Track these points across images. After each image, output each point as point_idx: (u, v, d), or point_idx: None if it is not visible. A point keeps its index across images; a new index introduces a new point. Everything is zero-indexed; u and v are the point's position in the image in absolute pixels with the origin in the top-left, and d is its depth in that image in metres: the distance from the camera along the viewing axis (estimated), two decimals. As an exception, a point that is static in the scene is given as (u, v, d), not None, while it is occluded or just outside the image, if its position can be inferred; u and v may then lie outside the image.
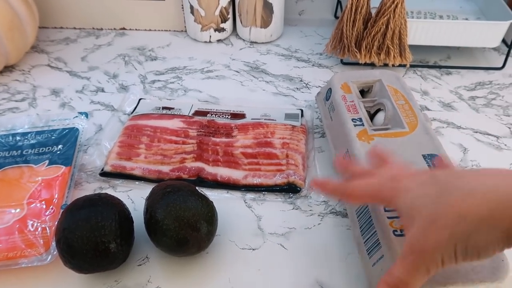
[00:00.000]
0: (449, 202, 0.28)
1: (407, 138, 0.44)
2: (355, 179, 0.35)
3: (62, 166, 0.48)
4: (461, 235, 0.27)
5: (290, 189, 0.48)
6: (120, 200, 0.41)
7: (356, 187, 0.34)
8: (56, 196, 0.45)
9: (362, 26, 0.61)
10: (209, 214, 0.40)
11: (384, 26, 0.59)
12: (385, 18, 0.59)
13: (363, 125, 0.46)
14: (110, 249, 0.37)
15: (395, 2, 0.57)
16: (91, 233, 0.36)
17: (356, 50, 0.62)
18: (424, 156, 0.42)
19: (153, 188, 0.42)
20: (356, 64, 0.65)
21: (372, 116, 0.51)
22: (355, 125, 0.46)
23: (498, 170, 0.30)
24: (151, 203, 0.40)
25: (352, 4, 0.59)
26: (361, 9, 0.59)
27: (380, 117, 0.50)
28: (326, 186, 0.37)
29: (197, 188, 0.42)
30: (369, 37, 0.61)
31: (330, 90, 0.52)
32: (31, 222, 0.42)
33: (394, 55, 0.62)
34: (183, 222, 0.38)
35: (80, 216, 0.38)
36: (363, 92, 0.54)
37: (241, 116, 0.58)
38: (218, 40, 0.74)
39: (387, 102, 0.49)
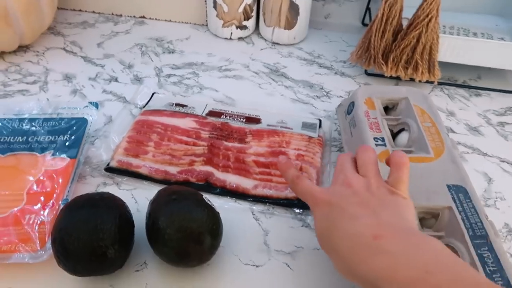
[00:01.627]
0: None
1: (431, 165, 0.42)
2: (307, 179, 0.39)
3: (67, 158, 0.46)
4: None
5: (300, 205, 0.45)
6: (122, 201, 0.39)
7: (301, 184, 0.38)
8: (57, 190, 0.43)
9: (391, 38, 0.58)
10: (214, 226, 0.37)
11: (415, 40, 0.56)
12: (417, 31, 0.55)
13: (385, 146, 0.44)
14: (107, 255, 0.35)
15: (429, 16, 0.54)
16: (88, 236, 0.34)
17: (383, 62, 0.59)
18: (449, 186, 0.39)
19: (158, 192, 0.40)
20: (381, 76, 0.62)
21: (394, 136, 0.48)
22: (376, 145, 0.44)
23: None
24: (155, 208, 0.38)
25: (383, 14, 0.56)
26: (392, 20, 0.56)
27: (403, 137, 0.47)
28: (287, 168, 0.41)
29: (204, 196, 0.39)
30: (397, 50, 0.58)
31: (352, 104, 0.50)
32: (29, 215, 0.40)
33: (422, 71, 0.59)
34: (186, 234, 0.36)
35: (78, 217, 0.36)
36: (387, 109, 0.51)
37: (256, 120, 0.55)
38: (239, 38, 0.72)
39: (412, 123, 0.46)
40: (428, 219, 0.39)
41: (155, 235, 0.37)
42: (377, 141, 0.44)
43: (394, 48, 0.58)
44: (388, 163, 0.38)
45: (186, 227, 0.36)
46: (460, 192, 0.39)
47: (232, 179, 0.47)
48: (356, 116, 0.48)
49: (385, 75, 0.60)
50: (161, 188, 0.46)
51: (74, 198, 0.38)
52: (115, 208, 0.37)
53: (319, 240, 0.35)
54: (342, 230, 0.33)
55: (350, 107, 0.50)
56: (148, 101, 0.58)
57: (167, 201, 0.38)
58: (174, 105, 0.57)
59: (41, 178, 0.44)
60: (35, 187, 0.43)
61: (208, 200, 0.39)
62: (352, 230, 0.32)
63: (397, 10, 0.55)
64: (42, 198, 0.42)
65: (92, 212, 0.36)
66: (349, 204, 0.34)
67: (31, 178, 0.44)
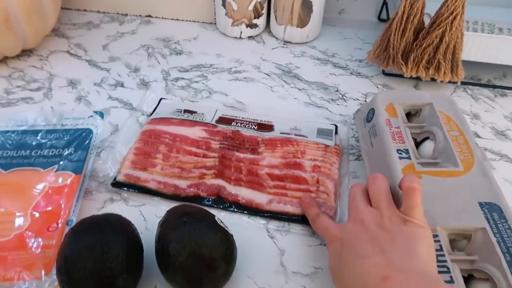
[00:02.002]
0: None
1: (461, 180, 0.39)
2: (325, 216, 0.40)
3: (71, 173, 0.44)
4: None
5: (318, 221, 0.43)
6: (130, 224, 0.37)
7: (319, 221, 0.39)
8: (62, 209, 0.41)
9: (412, 37, 0.54)
10: (227, 251, 0.35)
11: (438, 39, 0.53)
12: (440, 30, 0.52)
13: (410, 159, 0.41)
14: (115, 284, 0.33)
15: (454, 14, 0.50)
16: (95, 265, 0.32)
17: (403, 62, 0.56)
18: (481, 204, 0.36)
19: (168, 212, 0.38)
20: (399, 76, 0.59)
21: (417, 145, 0.45)
22: (400, 158, 0.41)
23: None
24: (165, 231, 0.36)
25: (403, 11, 0.52)
26: (413, 18, 0.53)
27: (427, 147, 0.44)
28: (309, 206, 0.42)
29: (216, 217, 0.37)
30: (418, 50, 0.54)
31: (372, 111, 0.46)
32: (33, 238, 0.38)
33: (444, 71, 0.55)
34: (199, 261, 0.34)
35: (84, 243, 0.33)
36: (409, 115, 0.48)
37: (269, 127, 0.52)
38: (249, 37, 0.69)
39: (437, 132, 0.43)
40: (459, 240, 0.36)
41: (165, 262, 0.34)
42: (400, 153, 0.41)
43: (415, 48, 0.54)
44: (400, 187, 0.36)
45: (198, 254, 0.34)
46: (494, 211, 0.36)
47: (245, 194, 0.45)
48: (376, 124, 0.45)
49: (405, 75, 0.57)
50: (170, 204, 0.44)
51: (80, 221, 0.36)
52: (122, 232, 0.35)
53: (332, 277, 0.35)
54: (352, 269, 0.33)
55: (369, 114, 0.47)
56: (156, 107, 0.55)
57: (177, 224, 0.36)
58: (182, 111, 0.54)
59: (46, 196, 0.42)
60: (39, 207, 0.41)
61: (221, 222, 0.37)
62: (361, 269, 0.32)
63: (419, 7, 0.52)
64: (47, 219, 0.40)
65: (98, 238, 0.34)
66: (359, 242, 0.34)
67: (35, 196, 0.42)
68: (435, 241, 0.34)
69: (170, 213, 0.38)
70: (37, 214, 0.40)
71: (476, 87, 0.60)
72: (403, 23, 0.53)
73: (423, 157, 0.43)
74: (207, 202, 0.44)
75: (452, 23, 0.51)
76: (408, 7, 0.52)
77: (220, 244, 0.35)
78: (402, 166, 0.40)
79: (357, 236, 0.34)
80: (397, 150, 0.41)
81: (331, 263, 0.36)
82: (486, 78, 0.62)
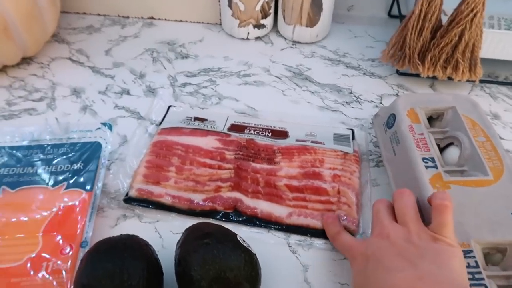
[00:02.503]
0: None
1: (491, 189, 0.37)
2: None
3: (82, 190, 0.42)
4: None
5: (341, 234, 0.41)
6: (148, 246, 0.35)
7: (340, 239, 0.38)
8: (75, 230, 0.39)
9: (429, 36, 0.52)
10: (253, 273, 0.33)
11: (457, 38, 0.51)
12: (460, 28, 0.50)
13: (437, 168, 0.39)
14: (136, 313, 0.31)
15: (474, 11, 0.48)
16: (115, 294, 0.31)
17: (419, 62, 0.54)
18: (515, 216, 0.35)
19: (186, 232, 0.36)
20: (415, 75, 0.57)
21: (441, 151, 0.43)
22: (426, 167, 0.39)
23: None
24: (185, 254, 0.34)
25: (421, 10, 0.50)
26: (431, 17, 0.51)
27: (452, 154, 0.42)
28: (330, 224, 0.40)
29: (238, 237, 0.35)
30: (436, 49, 0.52)
31: (393, 116, 0.45)
32: (46, 262, 0.37)
33: (463, 70, 0.53)
34: (224, 285, 0.32)
35: (103, 270, 0.32)
36: (430, 119, 0.46)
37: (283, 134, 0.51)
38: (257, 38, 0.66)
39: (463, 137, 0.41)
40: (493, 254, 0.35)
41: (188, 287, 0.33)
42: (426, 162, 0.39)
43: (432, 47, 0.52)
44: (429, 203, 0.35)
45: (223, 278, 0.32)
46: (528, 223, 0.34)
47: (264, 206, 0.43)
48: (399, 131, 0.43)
49: (421, 75, 0.55)
50: (185, 219, 0.42)
51: (96, 245, 0.34)
52: (142, 256, 0.33)
53: None
54: (381, 283, 0.31)
55: (390, 120, 0.45)
56: (164, 116, 0.53)
57: (198, 245, 0.34)
58: (192, 119, 0.52)
59: (57, 216, 0.40)
60: (51, 228, 0.39)
61: (243, 241, 0.35)
62: (390, 283, 0.30)
63: (437, 5, 0.50)
64: (59, 241, 0.38)
65: (118, 264, 0.32)
66: (385, 256, 0.32)
67: (45, 216, 0.40)
68: (469, 256, 0.33)
69: (189, 232, 0.36)
70: (49, 236, 0.38)
71: (493, 85, 0.59)
72: (420, 21, 0.51)
73: (447, 164, 0.42)
74: (223, 217, 0.43)
75: (472, 20, 0.49)
76: (425, 5, 0.50)
77: (245, 266, 0.33)
78: (429, 176, 0.38)
79: (384, 250, 0.33)
80: (423, 159, 0.39)
81: (355, 281, 0.34)
82: (503, 75, 0.60)
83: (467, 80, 0.55)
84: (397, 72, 0.60)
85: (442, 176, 0.38)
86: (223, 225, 0.37)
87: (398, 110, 0.44)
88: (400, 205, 0.35)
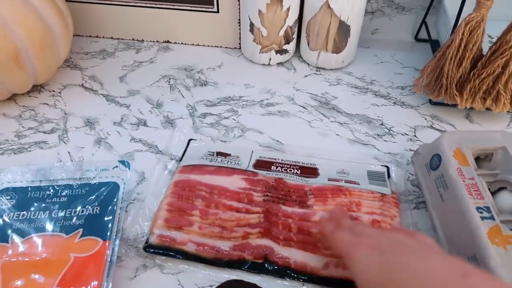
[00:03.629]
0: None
1: (559, 246, 0.33)
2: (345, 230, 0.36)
3: (99, 239, 0.39)
4: None
5: None
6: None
7: (336, 237, 0.35)
8: (93, 286, 0.35)
9: (469, 66, 0.49)
10: None
11: (500, 69, 0.47)
12: (503, 59, 0.46)
13: (494, 219, 0.35)
14: None
15: (520, 41, 0.45)
16: None
17: (457, 93, 0.50)
18: None
19: (217, 293, 0.32)
20: (449, 105, 0.53)
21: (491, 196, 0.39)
22: (482, 218, 0.35)
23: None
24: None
25: (461, 39, 0.47)
26: (472, 46, 0.47)
27: (506, 200, 0.38)
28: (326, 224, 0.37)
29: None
30: (477, 80, 0.49)
31: (438, 156, 0.41)
32: (61, 325, 0.33)
33: (504, 102, 0.50)
34: None
35: None
36: (477, 159, 0.42)
37: (313, 171, 0.47)
38: (279, 63, 0.63)
39: (518, 182, 0.38)
40: None
41: None
42: (481, 213, 0.35)
43: (472, 77, 0.49)
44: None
45: None
46: None
47: (297, 256, 0.39)
48: (446, 175, 0.39)
49: (459, 107, 0.51)
50: (212, 270, 0.39)
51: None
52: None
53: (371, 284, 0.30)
54: (418, 267, 0.29)
55: (434, 161, 0.41)
56: (185, 150, 0.50)
57: (233, 312, 0.30)
58: (215, 154, 0.49)
59: (72, 268, 0.36)
60: (65, 282, 0.35)
61: (281, 304, 0.31)
62: (434, 266, 0.28)
63: (479, 34, 0.46)
64: (74, 299, 0.34)
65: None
66: (406, 244, 0.32)
67: (60, 268, 0.36)
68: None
69: (220, 294, 0.32)
70: (63, 293, 0.35)
71: (534, 116, 0.55)
72: (461, 51, 0.47)
73: (501, 212, 0.38)
74: (252, 267, 0.39)
75: (517, 51, 0.45)
76: (467, 34, 0.46)
77: None
78: (487, 229, 0.34)
79: (398, 240, 0.32)
80: (477, 208, 0.36)
81: (366, 273, 0.31)
82: (543, 105, 0.56)
83: (507, 112, 0.52)
84: (430, 101, 0.56)
85: (501, 229, 0.34)
86: (256, 284, 0.33)
87: (444, 150, 0.40)
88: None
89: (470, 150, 0.41)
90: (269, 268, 0.39)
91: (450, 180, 0.38)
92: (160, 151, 0.50)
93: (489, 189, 0.39)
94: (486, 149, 0.41)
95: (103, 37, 0.69)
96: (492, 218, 0.35)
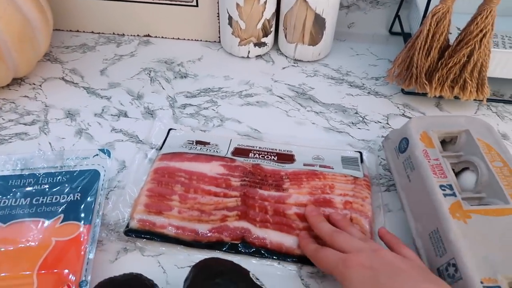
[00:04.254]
0: None
1: (514, 219, 0.35)
2: (327, 247, 0.37)
3: (80, 223, 0.40)
4: None
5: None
6: (154, 286, 0.33)
7: (323, 251, 0.36)
8: (74, 268, 0.36)
9: (437, 55, 0.51)
10: (268, 316, 0.31)
11: (466, 58, 0.50)
12: (468, 48, 0.49)
13: (455, 195, 0.37)
14: None
15: (483, 31, 0.47)
16: None
17: (426, 82, 0.53)
18: (542, 248, 0.33)
19: (195, 270, 0.34)
20: (420, 94, 0.56)
21: (456, 175, 0.41)
22: (444, 195, 0.37)
23: None
24: (195, 295, 0.31)
25: (429, 30, 0.49)
26: (439, 36, 0.49)
27: (468, 179, 0.41)
28: (306, 242, 0.39)
29: (251, 274, 0.33)
30: (444, 69, 0.51)
31: (406, 140, 0.43)
32: (42, 305, 0.34)
33: (470, 90, 0.52)
34: (238, 331, 0.29)
35: (106, 318, 0.29)
36: (442, 143, 0.44)
37: (290, 157, 0.49)
38: (257, 56, 0.65)
39: (479, 162, 0.40)
40: (521, 290, 0.33)
41: (199, 332, 0.30)
42: (444, 190, 0.38)
43: (440, 67, 0.51)
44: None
45: (237, 323, 0.30)
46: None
47: (273, 237, 0.41)
48: (413, 157, 0.41)
49: (428, 95, 0.54)
50: (190, 252, 0.40)
51: (97, 286, 0.32)
52: (147, 300, 0.31)
53: None
54: None
55: (403, 144, 0.43)
56: (165, 140, 0.51)
57: (209, 286, 0.31)
58: (194, 143, 0.50)
59: (53, 252, 0.37)
60: (46, 265, 0.36)
61: (257, 279, 0.33)
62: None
63: (445, 25, 0.49)
64: (56, 280, 0.35)
65: (122, 311, 0.29)
66: (399, 268, 0.33)
67: (41, 252, 0.37)
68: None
69: (197, 270, 0.34)
70: (44, 276, 0.36)
71: (500, 104, 0.58)
72: (429, 41, 0.50)
73: (463, 190, 0.40)
74: (230, 248, 0.40)
75: (481, 41, 0.48)
76: (434, 24, 0.49)
77: (260, 309, 0.31)
78: (448, 205, 0.36)
79: (390, 261, 0.33)
80: (440, 186, 0.38)
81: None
82: (508, 93, 0.59)
83: (474, 100, 0.54)
84: (402, 91, 0.58)
85: (462, 205, 0.36)
86: (233, 261, 0.35)
87: (411, 134, 0.43)
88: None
89: (436, 134, 0.43)
90: (247, 248, 0.40)
91: (417, 161, 0.41)
92: (141, 140, 0.51)
93: (453, 169, 0.42)
94: (451, 133, 0.43)
95: (84, 31, 0.69)
96: (454, 195, 0.37)
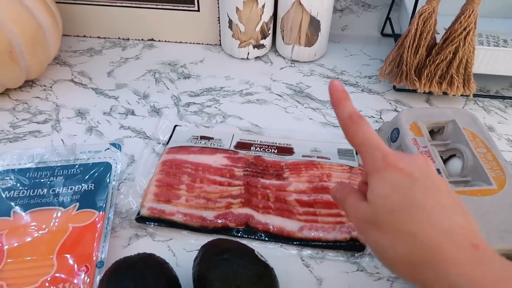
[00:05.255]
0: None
1: (496, 198, 0.38)
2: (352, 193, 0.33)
3: (94, 211, 0.42)
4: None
5: (352, 246, 0.42)
6: (166, 264, 0.36)
7: (363, 129, 0.32)
8: (91, 250, 0.39)
9: (425, 53, 0.55)
10: (272, 287, 0.34)
11: (451, 55, 0.53)
12: (454, 46, 0.52)
13: (442, 179, 0.40)
14: (159, 331, 0.31)
15: (467, 30, 0.51)
16: (139, 313, 0.31)
17: (416, 78, 0.56)
18: (521, 223, 0.36)
19: (203, 249, 0.37)
20: (411, 91, 0.59)
21: (444, 162, 0.45)
22: (433, 178, 0.40)
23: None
24: (204, 270, 0.34)
25: (417, 29, 0.53)
26: (426, 35, 0.53)
27: (454, 165, 0.44)
28: (341, 98, 0.35)
29: (256, 252, 0.36)
30: (432, 65, 0.55)
31: (397, 130, 0.46)
32: (62, 283, 0.37)
33: (457, 85, 0.56)
34: (245, 300, 0.32)
35: (124, 290, 0.32)
36: (431, 133, 0.48)
37: (289, 150, 0.52)
38: (256, 57, 0.68)
39: (464, 149, 0.43)
40: (503, 261, 0.36)
41: (209, 303, 0.33)
42: (432, 174, 0.41)
43: (428, 64, 0.55)
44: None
45: (245, 293, 0.32)
46: (534, 229, 0.36)
47: (275, 222, 0.44)
48: (403, 145, 0.44)
49: (418, 91, 0.57)
50: (198, 237, 0.43)
51: (115, 264, 0.34)
52: (162, 274, 0.34)
53: (379, 209, 0.29)
54: (436, 218, 0.28)
55: (394, 134, 0.47)
56: (171, 135, 0.54)
57: (218, 261, 0.34)
58: (199, 138, 0.53)
59: (70, 237, 0.40)
60: (65, 249, 0.39)
61: (261, 256, 0.36)
62: (446, 224, 0.28)
63: (432, 24, 0.52)
64: (74, 262, 0.38)
65: (140, 283, 0.32)
66: (435, 188, 0.29)
67: (59, 237, 0.40)
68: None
69: (206, 249, 0.36)
70: (63, 258, 0.38)
71: (486, 98, 0.61)
72: (416, 40, 0.53)
73: (451, 175, 0.43)
74: (236, 233, 0.43)
75: (465, 38, 0.51)
76: (421, 24, 0.52)
77: (265, 280, 0.34)
78: (437, 187, 0.39)
79: (432, 180, 0.29)
80: (429, 171, 0.41)
81: (382, 194, 0.29)
82: (494, 89, 0.63)
83: (461, 95, 0.58)
84: (394, 88, 0.62)
85: (449, 187, 0.39)
86: (239, 241, 0.38)
87: (401, 124, 0.46)
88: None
89: (425, 124, 0.46)
90: (251, 233, 0.43)
91: (407, 149, 0.44)
92: (148, 136, 0.54)
93: (441, 157, 0.45)
94: (438, 123, 0.47)
95: (90, 36, 0.73)
96: (441, 178, 0.40)
